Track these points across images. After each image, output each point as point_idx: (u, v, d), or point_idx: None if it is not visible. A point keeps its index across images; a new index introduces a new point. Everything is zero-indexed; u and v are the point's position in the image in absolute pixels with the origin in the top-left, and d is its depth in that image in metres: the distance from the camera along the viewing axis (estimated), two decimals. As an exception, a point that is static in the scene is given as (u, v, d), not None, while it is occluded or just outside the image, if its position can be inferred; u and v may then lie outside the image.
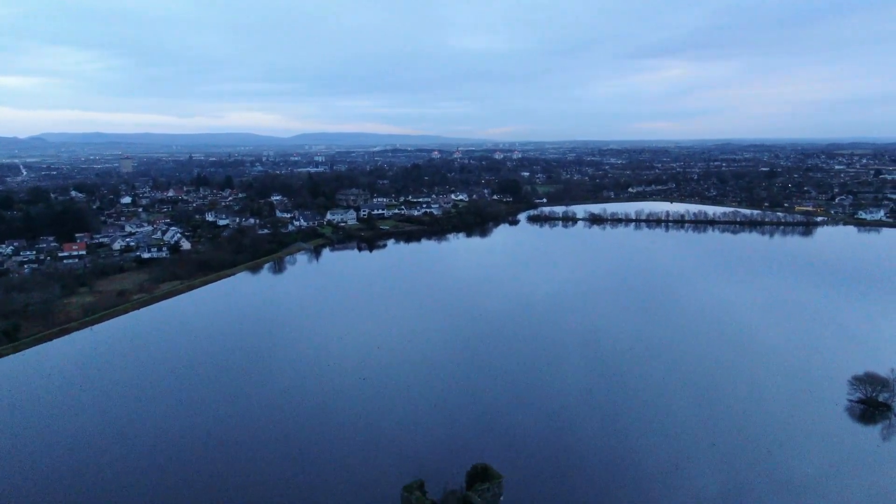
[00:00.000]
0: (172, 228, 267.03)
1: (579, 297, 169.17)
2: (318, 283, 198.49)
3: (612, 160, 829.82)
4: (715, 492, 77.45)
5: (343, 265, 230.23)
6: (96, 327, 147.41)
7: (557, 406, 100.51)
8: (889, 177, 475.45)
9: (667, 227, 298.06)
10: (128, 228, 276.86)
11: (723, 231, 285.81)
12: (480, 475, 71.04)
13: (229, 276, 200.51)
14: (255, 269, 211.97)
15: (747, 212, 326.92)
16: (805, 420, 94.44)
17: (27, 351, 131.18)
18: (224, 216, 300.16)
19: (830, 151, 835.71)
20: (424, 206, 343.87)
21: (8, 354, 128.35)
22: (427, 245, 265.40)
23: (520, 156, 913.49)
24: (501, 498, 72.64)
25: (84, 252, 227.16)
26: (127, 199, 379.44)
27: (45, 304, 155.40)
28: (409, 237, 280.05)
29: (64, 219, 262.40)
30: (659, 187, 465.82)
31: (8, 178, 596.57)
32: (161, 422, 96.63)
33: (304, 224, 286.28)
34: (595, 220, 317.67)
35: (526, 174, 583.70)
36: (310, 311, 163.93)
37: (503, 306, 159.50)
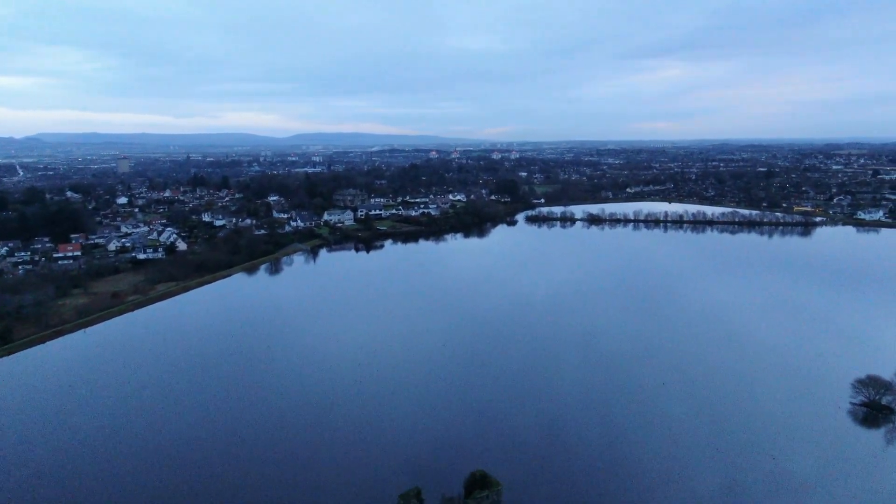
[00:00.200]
0: (168, 229, 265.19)
1: (578, 298, 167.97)
2: (314, 284, 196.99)
3: (610, 160, 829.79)
4: (716, 495, 76.24)
5: (340, 266, 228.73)
6: (90, 329, 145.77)
7: (556, 408, 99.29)
8: (887, 177, 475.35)
9: (665, 228, 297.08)
10: (123, 229, 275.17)
11: (721, 231, 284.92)
12: (479, 482, 69.63)
13: (225, 277, 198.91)
14: (251, 271, 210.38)
15: (746, 212, 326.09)
16: (807, 423, 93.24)
17: (19, 354, 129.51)
18: (220, 217, 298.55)
19: (828, 152, 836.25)
20: (422, 206, 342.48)
21: (0, 357, 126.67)
22: (425, 246, 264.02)
23: (517, 156, 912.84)
24: (500, 505, 71.35)
25: (79, 253, 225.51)
26: (123, 200, 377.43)
27: (38, 306, 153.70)
28: (407, 238, 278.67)
29: (59, 219, 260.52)
30: (657, 187, 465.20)
31: (4, 179, 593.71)
32: (154, 425, 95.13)
33: (301, 225, 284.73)
34: (593, 220, 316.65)
35: (524, 174, 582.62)
36: (306, 312, 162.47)
37: (501, 307, 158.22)
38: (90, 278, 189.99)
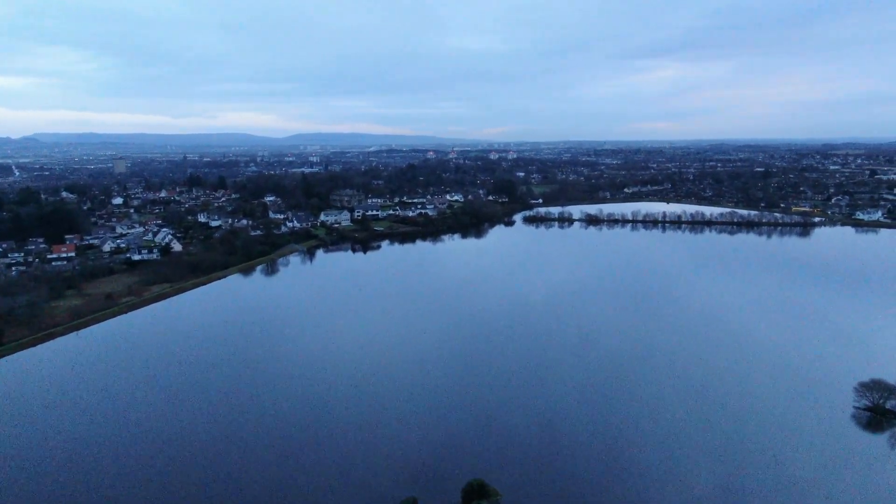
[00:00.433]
0: (164, 230, 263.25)
1: (577, 299, 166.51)
2: (310, 285, 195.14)
3: (608, 160, 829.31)
4: (718, 499, 74.89)
5: (337, 267, 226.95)
6: (83, 331, 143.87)
7: (554, 411, 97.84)
8: (884, 177, 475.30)
9: (664, 228, 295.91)
10: (118, 230, 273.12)
11: (720, 232, 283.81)
12: (477, 491, 68.12)
13: (220, 278, 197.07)
14: (247, 272, 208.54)
15: (744, 212, 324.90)
16: (810, 427, 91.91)
17: (10, 357, 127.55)
18: (216, 217, 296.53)
19: (825, 152, 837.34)
20: (419, 206, 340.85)
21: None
22: (422, 246, 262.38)
23: (515, 156, 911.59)
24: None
25: (73, 254, 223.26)
26: (119, 200, 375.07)
27: (30, 308, 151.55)
28: (404, 238, 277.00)
29: (54, 220, 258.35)
30: (655, 188, 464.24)
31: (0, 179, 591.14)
32: (146, 429, 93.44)
33: (298, 225, 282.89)
34: (591, 220, 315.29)
35: (521, 174, 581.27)
36: (302, 314, 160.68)
37: (499, 308, 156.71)
38: (84, 279, 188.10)
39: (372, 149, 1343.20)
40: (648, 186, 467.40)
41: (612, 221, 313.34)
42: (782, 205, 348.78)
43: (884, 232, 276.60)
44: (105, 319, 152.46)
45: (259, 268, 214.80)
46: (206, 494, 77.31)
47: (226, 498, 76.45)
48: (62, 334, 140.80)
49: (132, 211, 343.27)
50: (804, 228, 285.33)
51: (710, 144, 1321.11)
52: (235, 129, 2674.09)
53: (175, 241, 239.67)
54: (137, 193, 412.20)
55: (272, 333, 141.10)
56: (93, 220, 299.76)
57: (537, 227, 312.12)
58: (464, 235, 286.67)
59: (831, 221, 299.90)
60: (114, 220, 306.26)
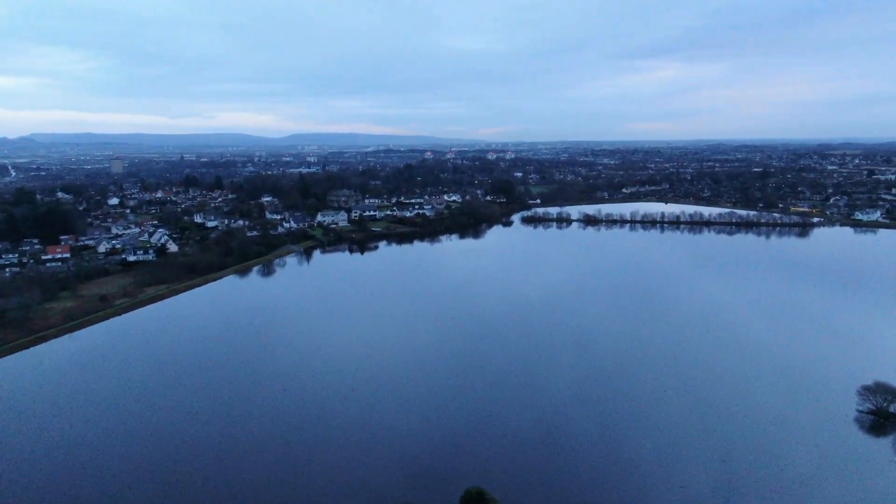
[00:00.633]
0: (160, 230, 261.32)
1: (576, 300, 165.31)
2: (307, 287, 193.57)
3: (605, 160, 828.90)
4: (720, 502, 73.79)
5: (333, 268, 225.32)
6: (76, 334, 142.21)
7: (553, 413, 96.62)
8: (882, 177, 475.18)
9: (662, 229, 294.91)
10: (114, 230, 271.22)
11: (719, 232, 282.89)
12: (475, 500, 66.72)
13: (216, 279, 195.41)
14: (243, 273, 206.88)
15: (743, 213, 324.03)
16: (812, 430, 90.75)
17: (1, 360, 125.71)
18: (213, 218, 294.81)
19: (822, 152, 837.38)
20: (417, 207, 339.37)
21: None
22: (419, 247, 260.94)
23: (513, 156, 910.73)
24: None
25: (68, 255, 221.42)
26: (114, 201, 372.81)
27: (23, 310, 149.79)
28: (402, 239, 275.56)
29: (49, 220, 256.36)
30: (653, 188, 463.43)
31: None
32: (141, 432, 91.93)
33: (295, 226, 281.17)
34: (590, 221, 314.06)
35: (519, 174, 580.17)
36: (298, 316, 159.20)
37: (497, 309, 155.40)
38: (79, 281, 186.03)
39: (370, 149, 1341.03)
40: (646, 187, 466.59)
41: (611, 222, 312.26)
42: (781, 205, 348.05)
43: (883, 232, 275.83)
44: (99, 321, 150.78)
45: (255, 269, 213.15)
46: (202, 498, 76.02)
47: (222, 501, 74.98)
48: (55, 336, 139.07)
49: (128, 211, 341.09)
50: (803, 229, 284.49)
51: (708, 145, 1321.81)
52: (233, 130, 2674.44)
53: (171, 241, 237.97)
54: (134, 194, 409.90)
55: (268, 335, 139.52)
56: (88, 220, 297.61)
57: (535, 227, 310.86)
58: (461, 236, 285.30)
59: (830, 222, 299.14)
60: (109, 220, 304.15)
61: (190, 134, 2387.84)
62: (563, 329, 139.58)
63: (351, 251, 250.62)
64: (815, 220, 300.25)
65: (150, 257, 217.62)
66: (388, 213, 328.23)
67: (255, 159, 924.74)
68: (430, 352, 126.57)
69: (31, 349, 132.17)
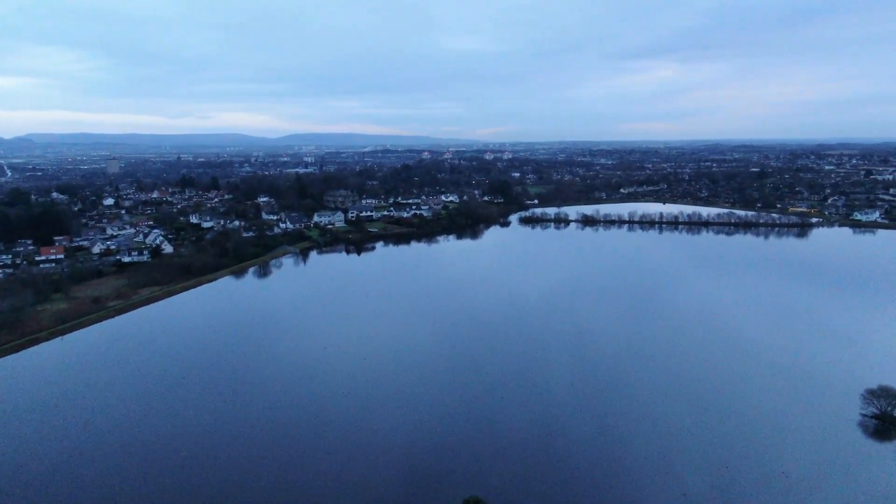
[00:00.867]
0: (155, 231, 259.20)
1: (574, 300, 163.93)
2: (303, 288, 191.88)
3: (603, 161, 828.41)
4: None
5: (330, 269, 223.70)
6: (68, 336, 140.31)
7: (551, 416, 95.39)
8: (880, 177, 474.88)
9: (660, 229, 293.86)
10: (109, 231, 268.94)
11: (717, 232, 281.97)
12: (473, 508, 65.27)
13: (211, 281, 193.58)
14: (238, 274, 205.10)
15: (742, 213, 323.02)
16: (814, 433, 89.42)
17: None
18: (209, 218, 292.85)
19: (819, 152, 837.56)
20: (414, 207, 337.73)
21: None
22: (417, 248, 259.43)
23: (510, 156, 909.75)
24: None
25: (62, 256, 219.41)
26: (110, 201, 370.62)
27: (15, 312, 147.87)
28: (399, 240, 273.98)
29: (43, 221, 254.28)
30: (650, 188, 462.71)
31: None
32: (136, 436, 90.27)
33: (291, 226, 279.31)
34: (588, 221, 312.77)
35: (516, 175, 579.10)
36: (294, 317, 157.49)
37: (495, 310, 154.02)
38: (72, 282, 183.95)
39: (367, 149, 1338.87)
40: (644, 187, 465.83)
41: (609, 222, 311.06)
42: (779, 205, 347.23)
43: (882, 233, 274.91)
44: (91, 324, 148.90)
45: (251, 270, 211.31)
46: (199, 501, 74.55)
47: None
48: (46, 339, 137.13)
49: (123, 212, 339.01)
50: (802, 229, 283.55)
51: (705, 145, 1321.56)
52: (230, 129, 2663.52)
53: (166, 242, 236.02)
54: (129, 194, 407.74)
55: (264, 337, 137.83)
56: (83, 221, 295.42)
57: (533, 227, 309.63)
58: (459, 236, 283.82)
59: (829, 222, 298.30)
60: (104, 221, 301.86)
61: (187, 134, 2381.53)
62: (561, 330, 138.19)
63: (348, 252, 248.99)
64: (814, 220, 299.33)
65: (145, 258, 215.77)
66: (385, 213, 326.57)
67: (252, 159, 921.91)
68: (428, 353, 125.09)
69: (23, 352, 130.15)
